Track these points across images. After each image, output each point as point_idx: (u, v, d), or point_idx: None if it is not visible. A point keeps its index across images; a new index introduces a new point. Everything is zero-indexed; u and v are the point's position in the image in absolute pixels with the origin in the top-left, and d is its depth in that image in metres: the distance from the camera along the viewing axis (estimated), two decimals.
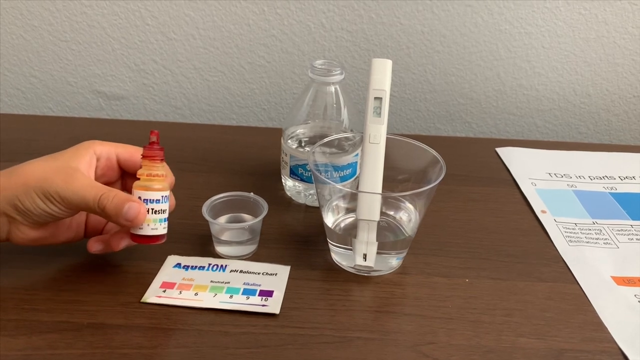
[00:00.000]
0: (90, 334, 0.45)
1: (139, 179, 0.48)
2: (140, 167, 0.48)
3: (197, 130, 0.82)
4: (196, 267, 0.53)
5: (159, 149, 0.48)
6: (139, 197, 0.47)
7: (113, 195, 0.46)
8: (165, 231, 0.49)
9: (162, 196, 0.48)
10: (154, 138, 0.48)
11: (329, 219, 0.56)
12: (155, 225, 0.48)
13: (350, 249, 0.53)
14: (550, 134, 0.92)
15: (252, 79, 0.88)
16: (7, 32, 0.85)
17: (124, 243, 0.50)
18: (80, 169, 0.47)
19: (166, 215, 0.49)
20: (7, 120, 0.82)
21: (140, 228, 0.48)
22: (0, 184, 0.46)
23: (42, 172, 0.46)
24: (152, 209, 0.47)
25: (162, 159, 0.49)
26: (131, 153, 0.51)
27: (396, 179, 0.56)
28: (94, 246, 0.51)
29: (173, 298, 0.49)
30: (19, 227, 0.47)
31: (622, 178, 0.72)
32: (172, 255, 0.54)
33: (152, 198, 0.47)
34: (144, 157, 0.48)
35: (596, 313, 0.50)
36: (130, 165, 0.51)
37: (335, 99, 0.62)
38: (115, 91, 0.89)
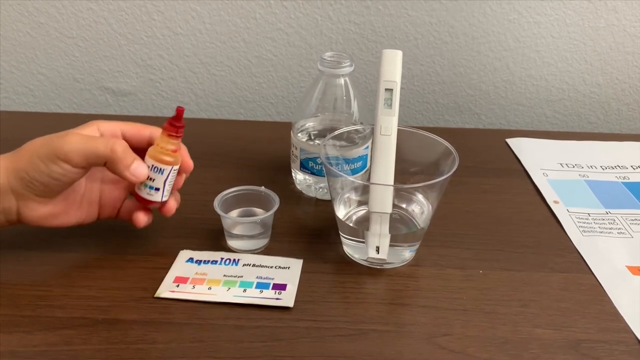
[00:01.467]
0: (105, 329, 0.45)
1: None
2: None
3: (205, 125, 0.82)
4: (209, 261, 0.53)
5: (177, 126, 0.48)
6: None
7: (123, 144, 0.47)
8: (151, 198, 0.50)
9: (154, 166, 0.49)
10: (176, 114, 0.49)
11: (341, 212, 0.56)
12: (139, 187, 0.50)
13: (363, 242, 0.53)
14: (560, 124, 0.91)
15: (259, 73, 0.88)
16: (13, 30, 0.85)
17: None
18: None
19: (156, 185, 0.50)
20: (14, 118, 0.82)
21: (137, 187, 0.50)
22: (6, 163, 0.46)
23: (41, 140, 0.47)
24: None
25: (172, 135, 0.49)
26: (138, 129, 0.51)
27: (408, 171, 0.55)
28: (142, 219, 0.51)
29: (186, 293, 0.49)
30: (28, 204, 0.47)
31: (635, 167, 0.72)
32: (185, 250, 0.54)
33: (150, 165, 0.49)
34: (162, 128, 0.49)
35: (612, 303, 0.50)
36: (138, 140, 0.51)
37: (345, 91, 0.61)
38: (122, 87, 0.89)
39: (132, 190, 0.52)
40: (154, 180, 0.49)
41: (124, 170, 0.47)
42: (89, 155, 0.46)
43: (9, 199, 0.47)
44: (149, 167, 0.49)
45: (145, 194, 0.50)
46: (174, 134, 0.49)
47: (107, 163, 0.47)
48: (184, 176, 0.53)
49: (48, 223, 0.49)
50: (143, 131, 0.51)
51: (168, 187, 0.50)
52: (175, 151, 0.49)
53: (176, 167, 0.50)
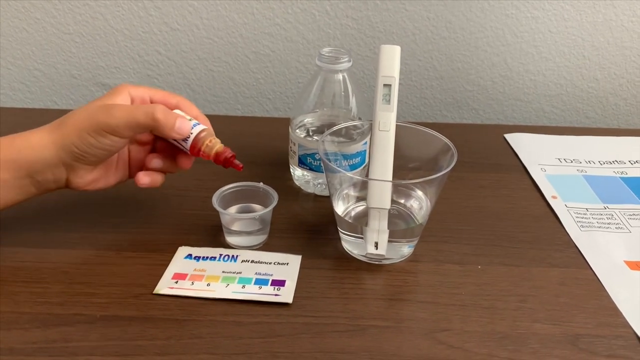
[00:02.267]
0: (104, 326, 0.45)
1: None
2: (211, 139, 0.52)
3: None
4: (207, 257, 0.53)
5: (222, 165, 0.53)
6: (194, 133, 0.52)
7: (162, 109, 0.49)
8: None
9: (186, 139, 0.52)
10: (237, 163, 0.53)
11: (340, 208, 0.56)
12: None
13: (361, 238, 0.53)
14: (557, 119, 0.91)
15: (256, 68, 0.87)
16: (10, 26, 0.84)
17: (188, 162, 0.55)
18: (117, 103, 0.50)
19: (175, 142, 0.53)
20: (11, 115, 0.81)
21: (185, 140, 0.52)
22: (54, 137, 0.48)
23: (85, 115, 0.49)
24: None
25: (215, 161, 0.53)
26: (165, 97, 0.53)
27: (406, 167, 0.55)
28: (143, 179, 0.53)
29: (185, 289, 0.49)
30: (77, 172, 0.50)
31: (632, 162, 0.72)
32: (183, 247, 0.54)
33: (192, 137, 0.51)
34: (224, 152, 0.52)
35: (610, 298, 0.50)
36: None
37: (343, 86, 0.61)
38: (119, 83, 0.88)
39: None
40: (177, 141, 0.52)
41: (170, 132, 0.50)
42: (133, 127, 0.49)
43: (59, 171, 0.50)
44: (189, 133, 0.51)
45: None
46: (213, 160, 0.52)
47: (152, 129, 0.49)
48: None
49: (93, 187, 0.52)
50: (170, 100, 0.53)
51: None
52: (204, 156, 0.53)
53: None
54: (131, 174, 0.55)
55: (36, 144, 0.48)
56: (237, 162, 0.53)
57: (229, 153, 0.52)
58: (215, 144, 0.52)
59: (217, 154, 0.52)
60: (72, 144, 0.48)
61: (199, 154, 0.52)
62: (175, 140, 0.52)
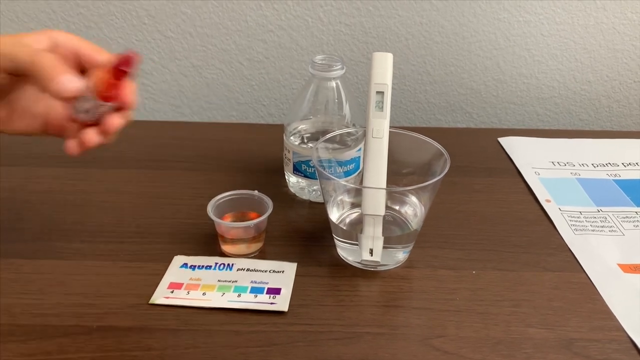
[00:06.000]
0: (100, 337, 0.45)
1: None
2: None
3: (197, 129, 0.82)
4: (203, 266, 0.53)
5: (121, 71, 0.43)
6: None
7: (51, 57, 0.42)
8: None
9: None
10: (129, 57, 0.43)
11: (334, 215, 0.56)
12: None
13: (356, 244, 0.53)
14: (551, 122, 0.92)
15: (251, 75, 0.88)
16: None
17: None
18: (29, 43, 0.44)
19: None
20: None
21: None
22: None
23: None
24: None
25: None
26: (92, 52, 0.46)
27: (400, 173, 0.56)
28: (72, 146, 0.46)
29: (181, 298, 0.49)
30: None
31: (626, 164, 0.72)
32: (179, 256, 0.54)
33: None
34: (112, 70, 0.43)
35: (604, 301, 0.50)
36: (91, 64, 0.46)
37: (336, 94, 0.61)
38: None
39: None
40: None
41: (49, 84, 0.42)
42: (12, 60, 0.42)
43: None
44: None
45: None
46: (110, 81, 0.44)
47: (31, 73, 0.42)
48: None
49: None
50: (97, 57, 0.46)
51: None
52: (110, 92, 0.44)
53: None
54: (49, 130, 0.48)
55: None
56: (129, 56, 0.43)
57: (122, 60, 0.42)
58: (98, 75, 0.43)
59: (110, 71, 0.42)
60: None
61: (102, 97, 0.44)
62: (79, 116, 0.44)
